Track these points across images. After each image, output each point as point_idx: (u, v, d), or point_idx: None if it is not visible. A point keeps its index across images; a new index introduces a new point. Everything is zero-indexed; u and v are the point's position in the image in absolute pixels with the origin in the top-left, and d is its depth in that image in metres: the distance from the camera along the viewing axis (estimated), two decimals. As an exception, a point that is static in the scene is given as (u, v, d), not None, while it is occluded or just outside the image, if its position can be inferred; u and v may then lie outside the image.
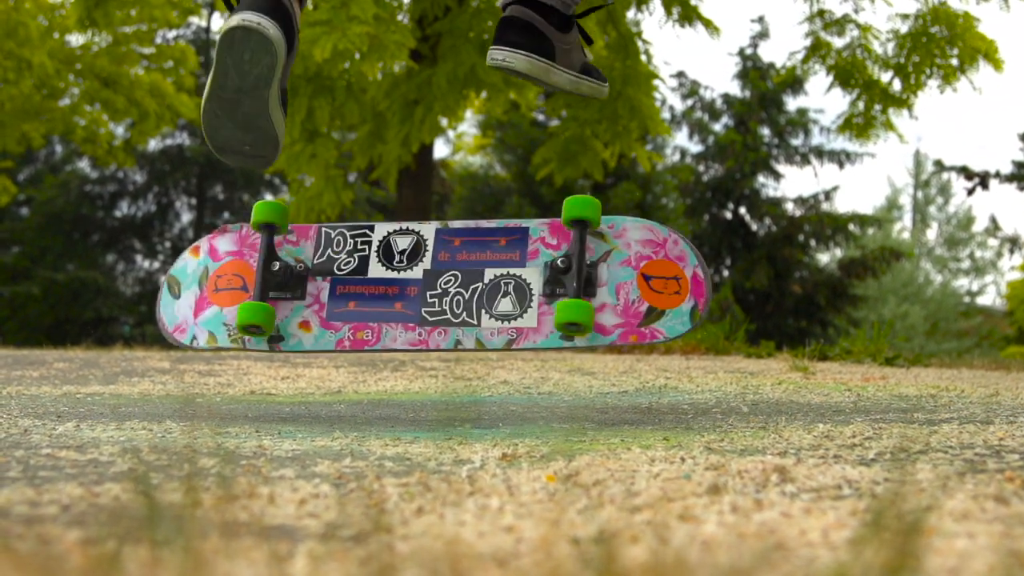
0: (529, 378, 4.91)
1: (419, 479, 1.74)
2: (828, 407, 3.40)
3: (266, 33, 2.62)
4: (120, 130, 23.99)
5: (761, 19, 28.92)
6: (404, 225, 3.24)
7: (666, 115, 26.99)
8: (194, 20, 27.69)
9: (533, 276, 3.07)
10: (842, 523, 1.36)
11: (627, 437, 2.54)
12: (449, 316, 3.06)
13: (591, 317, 2.90)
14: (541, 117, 24.41)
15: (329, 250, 3.22)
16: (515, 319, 3.01)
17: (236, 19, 2.63)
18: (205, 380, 4.91)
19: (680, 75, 28.06)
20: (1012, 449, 2.13)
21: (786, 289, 26.12)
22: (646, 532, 1.26)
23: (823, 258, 30.31)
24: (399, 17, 12.14)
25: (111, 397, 3.95)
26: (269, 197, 27.54)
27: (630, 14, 13.67)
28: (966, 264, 51.95)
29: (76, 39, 20.76)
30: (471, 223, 3.19)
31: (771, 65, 28.26)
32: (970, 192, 21.65)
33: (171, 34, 25.95)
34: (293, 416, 3.21)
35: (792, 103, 30.20)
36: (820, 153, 28.16)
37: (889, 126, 13.92)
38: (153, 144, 27.23)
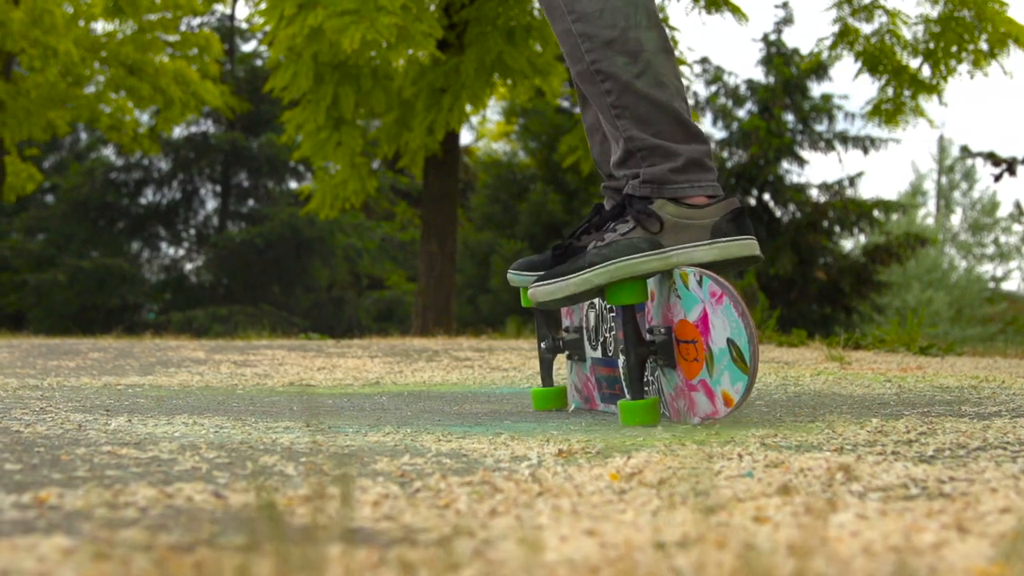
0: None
1: (483, 478, 1.74)
2: (872, 399, 3.39)
3: None
4: (145, 117, 24.05)
5: (785, 4, 28.80)
6: None
7: (690, 101, 26.91)
8: (219, 7, 27.71)
9: None
10: (921, 526, 1.35)
11: (678, 432, 2.53)
12: None
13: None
14: (566, 104, 24.38)
15: None
16: None
17: None
18: (242, 371, 4.92)
19: (704, 61, 27.97)
20: (1071, 445, 2.12)
21: (810, 275, 26.05)
22: (730, 537, 1.26)
23: (847, 244, 30.23)
24: (426, 5, 12.12)
25: (151, 388, 3.96)
26: (294, 185, 27.58)
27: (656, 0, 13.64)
28: (991, 250, 51.77)
29: (101, 27, 20.84)
30: None
31: (795, 51, 28.15)
32: (997, 178, 21.53)
33: (196, 21, 25.97)
34: (338, 409, 3.22)
35: (816, 89, 30.12)
36: (844, 139, 28.05)
37: (919, 112, 13.86)
38: (178, 131, 27.27)
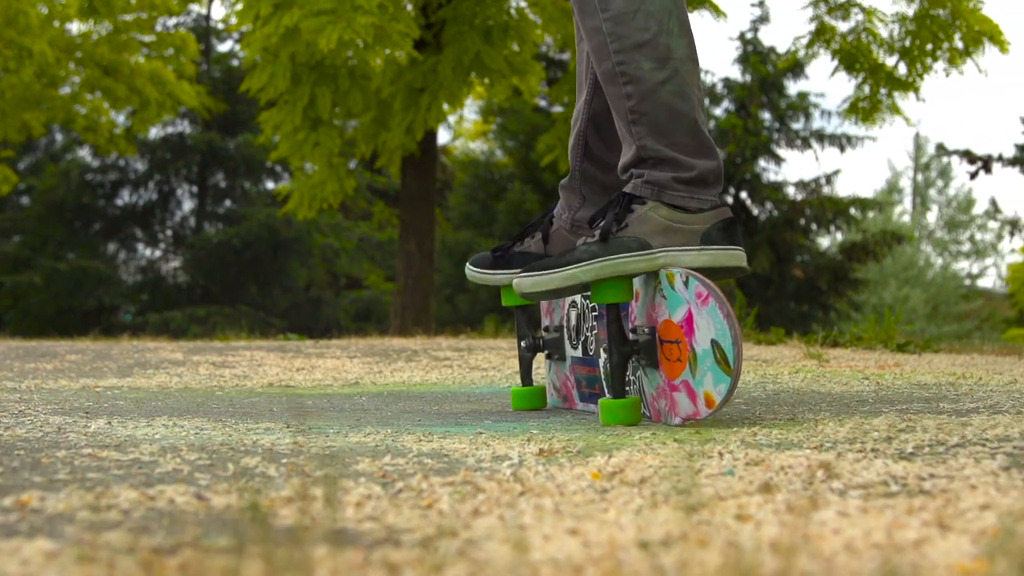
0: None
1: (465, 478, 1.74)
2: (851, 397, 3.40)
3: None
4: (121, 118, 23.95)
5: (762, 3, 28.81)
6: None
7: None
8: (194, 7, 27.63)
9: None
10: (903, 524, 1.36)
11: (658, 431, 2.54)
12: None
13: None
14: (543, 103, 24.38)
15: None
16: None
17: None
18: (220, 372, 4.92)
19: (681, 60, 27.97)
20: (1049, 442, 2.13)
21: (788, 273, 26.11)
22: (712, 535, 1.26)
23: (824, 242, 30.32)
24: (403, 5, 12.10)
25: (130, 390, 3.96)
26: (271, 185, 27.54)
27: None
28: (966, 247, 51.94)
29: (76, 27, 20.72)
30: None
31: (772, 49, 28.20)
32: (973, 176, 21.64)
33: (171, 21, 25.86)
34: (318, 409, 3.22)
35: (793, 87, 30.19)
36: (821, 137, 28.12)
37: (895, 110, 13.90)
38: (154, 132, 27.16)
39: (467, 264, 3.44)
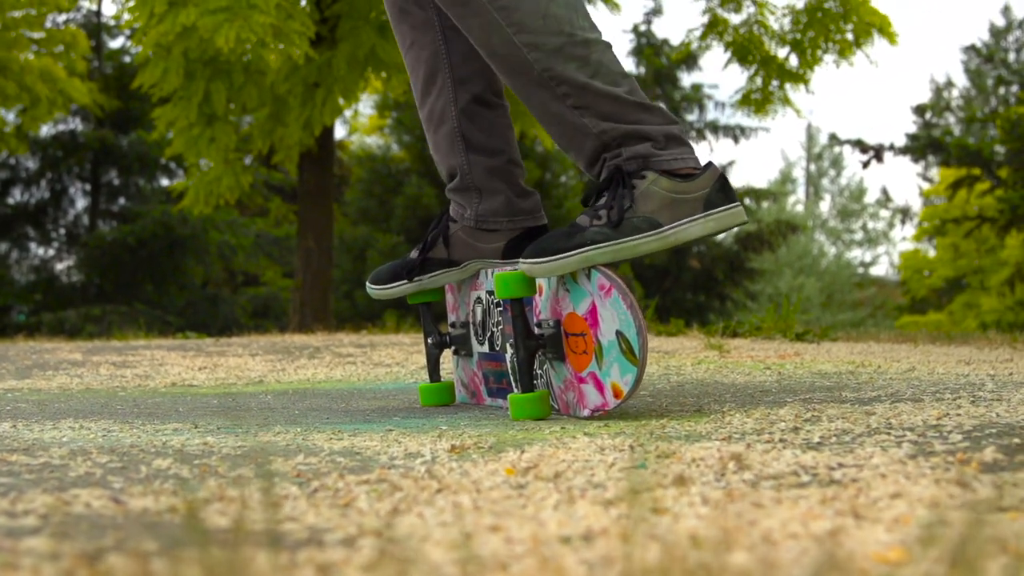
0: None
1: (380, 476, 1.74)
2: (754, 387, 3.44)
3: None
4: (11, 116, 23.59)
5: (655, -5, 29.04)
6: None
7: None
8: (84, 4, 27.27)
9: None
10: (817, 514, 1.38)
11: (567, 424, 2.56)
12: None
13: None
14: (439, 97, 24.33)
15: None
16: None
17: None
18: (122, 372, 4.87)
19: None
20: (952, 429, 2.17)
21: (684, 264, 26.33)
22: (633, 529, 1.28)
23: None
24: (297, 1, 12.04)
25: (31, 392, 3.91)
26: (166, 183, 27.26)
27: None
28: (859, 236, 52.69)
29: (-36, 24, 20.40)
30: None
31: (665, 41, 28.41)
32: (866, 165, 21.93)
33: (61, 18, 25.50)
34: (224, 409, 3.20)
35: (687, 79, 30.38)
36: (715, 128, 28.44)
37: (786, 101, 14.09)
38: (45, 130, 26.77)
39: (367, 284, 3.42)
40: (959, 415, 2.39)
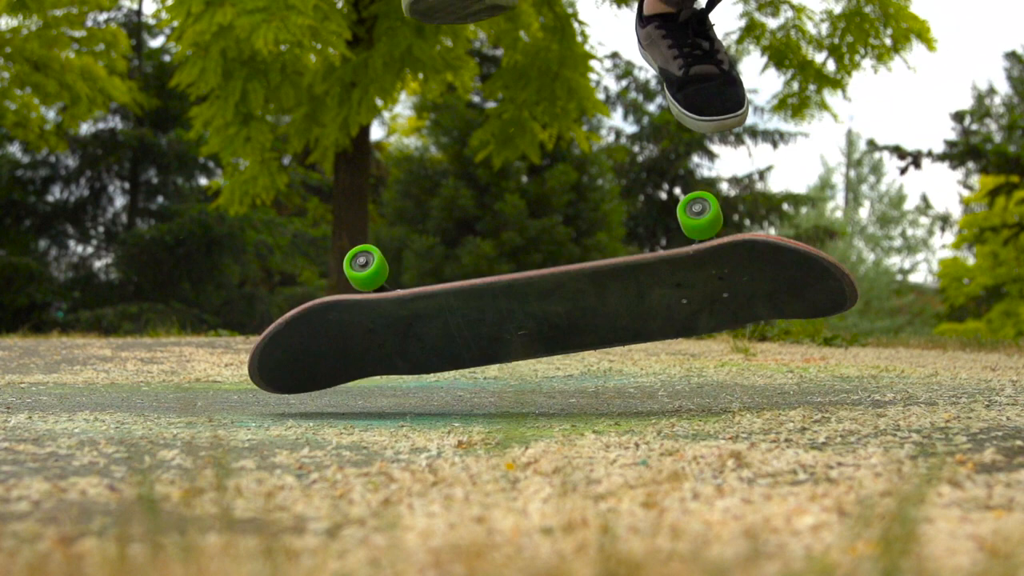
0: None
1: (380, 469, 1.75)
2: (772, 389, 3.44)
3: None
4: (52, 114, 23.72)
5: (694, -1, 28.93)
6: None
7: (601, 96, 27.01)
8: (125, 3, 27.41)
9: None
10: (803, 509, 1.38)
11: (578, 423, 2.57)
12: None
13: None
14: (477, 99, 24.36)
15: None
16: None
17: None
18: (148, 368, 4.90)
19: (614, 56, 28.09)
20: (958, 431, 2.16)
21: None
22: (616, 521, 1.28)
23: (757, 238, 30.48)
24: (335, 2, 12.06)
25: (56, 387, 3.93)
26: (204, 181, 27.37)
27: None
28: (898, 242, 52.37)
29: (5, 22, 20.52)
30: None
31: (705, 45, 28.29)
32: (903, 171, 21.80)
33: (102, 17, 25.65)
34: (242, 404, 3.22)
35: (725, 83, 30.08)
36: (754, 133, 28.33)
37: (823, 106, 14.03)
38: (85, 128, 26.90)
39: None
40: (969, 418, 2.38)
